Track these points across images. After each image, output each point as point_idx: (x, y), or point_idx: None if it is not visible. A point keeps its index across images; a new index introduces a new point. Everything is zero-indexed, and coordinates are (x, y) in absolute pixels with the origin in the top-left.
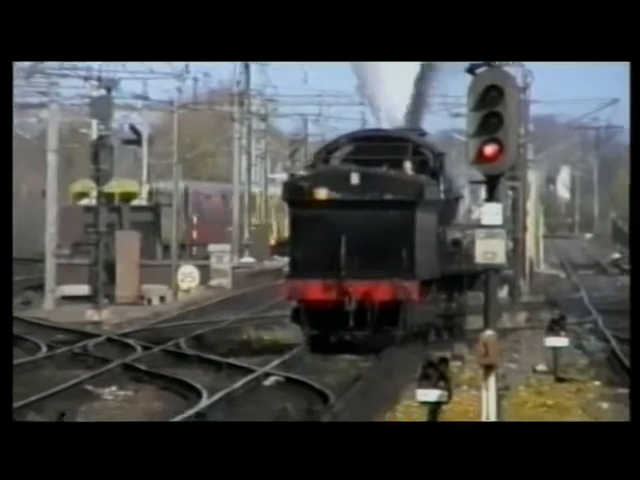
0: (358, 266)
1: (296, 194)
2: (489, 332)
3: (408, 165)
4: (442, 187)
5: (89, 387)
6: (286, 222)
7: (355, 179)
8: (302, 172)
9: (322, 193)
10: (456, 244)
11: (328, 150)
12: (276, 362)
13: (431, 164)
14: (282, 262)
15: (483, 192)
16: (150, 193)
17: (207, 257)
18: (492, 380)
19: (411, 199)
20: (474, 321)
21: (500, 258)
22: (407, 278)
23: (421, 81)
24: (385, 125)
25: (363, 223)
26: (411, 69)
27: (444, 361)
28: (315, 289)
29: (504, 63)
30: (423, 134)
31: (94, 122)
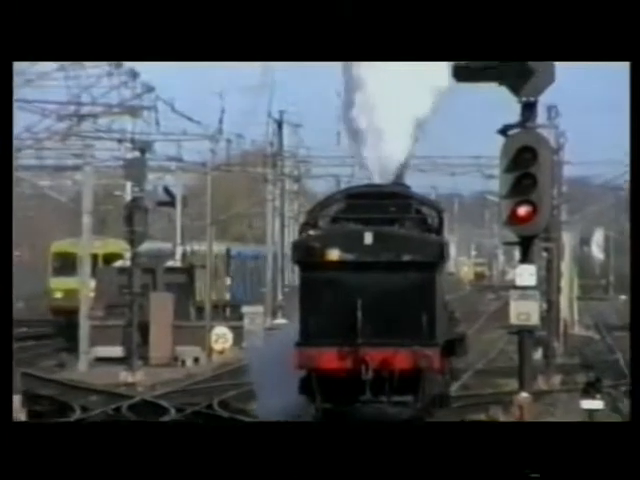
0: (375, 332)
1: (306, 255)
2: (524, 394)
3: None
4: None
5: None
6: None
7: (369, 239)
8: (311, 232)
9: (334, 254)
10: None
11: (321, 207)
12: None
13: (430, 222)
14: None
15: (517, 253)
16: (184, 255)
17: (240, 318)
18: None
19: (431, 260)
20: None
21: (534, 319)
22: (428, 345)
23: (413, 138)
24: (377, 181)
25: (379, 286)
26: (403, 127)
27: None
28: (329, 358)
29: (537, 125)
30: (408, 189)
31: (128, 184)
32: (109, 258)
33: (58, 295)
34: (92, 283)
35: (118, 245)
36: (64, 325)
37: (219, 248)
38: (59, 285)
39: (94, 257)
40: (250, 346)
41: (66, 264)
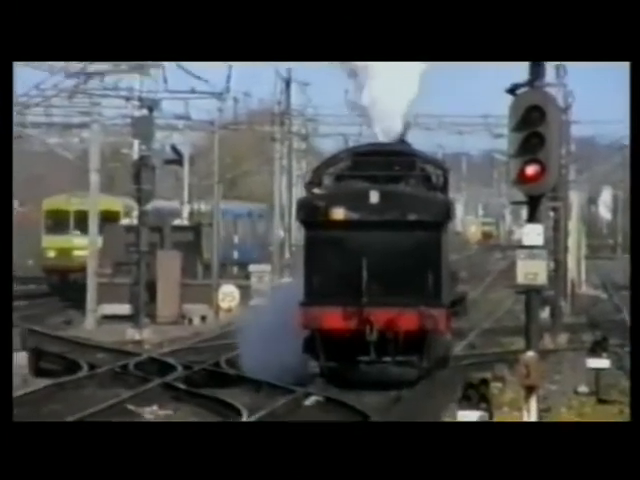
0: (380, 292)
1: (311, 214)
2: (530, 353)
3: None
4: None
5: (130, 406)
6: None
7: (374, 198)
8: (316, 190)
9: (339, 213)
10: None
11: (326, 166)
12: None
13: (434, 180)
14: None
15: (524, 213)
16: (191, 213)
17: (248, 277)
18: (533, 401)
19: (438, 219)
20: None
21: (541, 279)
22: (433, 305)
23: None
24: (381, 139)
25: (385, 245)
26: (408, 84)
27: (485, 382)
28: (334, 317)
29: (546, 84)
30: (411, 147)
31: (136, 142)
32: (103, 215)
33: (51, 254)
34: (83, 240)
35: (113, 202)
36: (58, 285)
37: (206, 207)
38: (51, 243)
39: (85, 214)
40: (253, 304)
41: (58, 222)
